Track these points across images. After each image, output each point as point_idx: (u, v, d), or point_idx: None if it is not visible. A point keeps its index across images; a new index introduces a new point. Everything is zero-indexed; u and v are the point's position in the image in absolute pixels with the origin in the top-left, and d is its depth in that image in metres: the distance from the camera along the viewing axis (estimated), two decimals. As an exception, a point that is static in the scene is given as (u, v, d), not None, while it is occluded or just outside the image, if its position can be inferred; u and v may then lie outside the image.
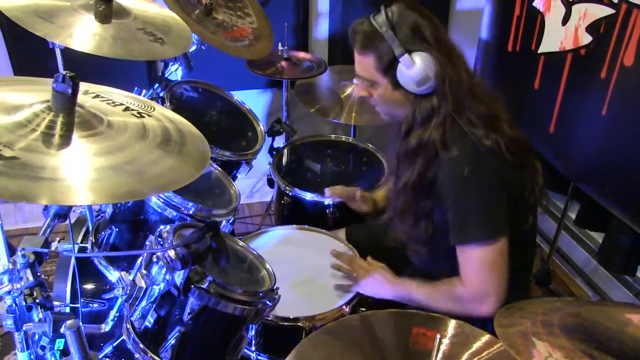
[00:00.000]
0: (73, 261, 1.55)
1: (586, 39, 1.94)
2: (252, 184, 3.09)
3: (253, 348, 1.50)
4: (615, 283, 2.37)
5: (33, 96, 1.01)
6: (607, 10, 1.83)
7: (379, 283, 1.51)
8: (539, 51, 2.18)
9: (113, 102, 1.12)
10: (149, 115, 1.12)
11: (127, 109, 1.11)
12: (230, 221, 1.58)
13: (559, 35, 2.06)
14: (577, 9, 1.97)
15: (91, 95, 1.12)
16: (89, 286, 1.68)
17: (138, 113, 1.11)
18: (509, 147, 1.30)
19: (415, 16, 1.33)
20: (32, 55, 2.41)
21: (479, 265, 1.31)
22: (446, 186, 1.32)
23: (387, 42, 1.31)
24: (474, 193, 1.29)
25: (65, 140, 0.95)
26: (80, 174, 0.90)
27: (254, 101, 2.85)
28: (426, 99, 1.35)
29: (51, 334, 1.03)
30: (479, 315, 1.31)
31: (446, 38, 1.37)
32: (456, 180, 1.30)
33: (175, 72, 2.00)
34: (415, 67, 1.30)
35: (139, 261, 1.23)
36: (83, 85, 1.05)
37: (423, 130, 1.35)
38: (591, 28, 1.91)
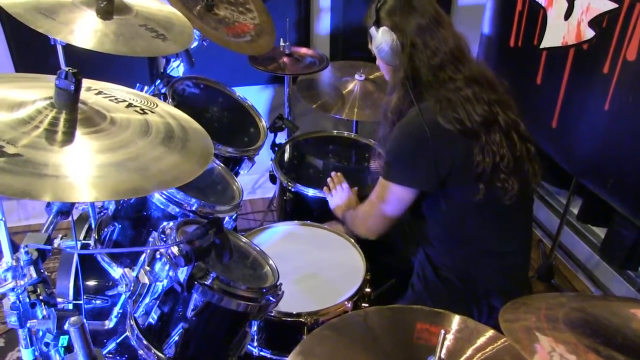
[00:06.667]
0: (76, 258, 1.56)
1: (589, 33, 1.93)
2: (255, 180, 3.09)
3: (255, 344, 1.51)
4: (617, 278, 2.37)
5: (35, 93, 1.00)
6: (610, 5, 1.82)
7: (342, 200, 1.84)
8: (541, 46, 2.17)
9: (116, 99, 1.12)
10: (152, 112, 1.12)
11: (129, 105, 1.11)
12: (233, 217, 1.58)
13: (562, 30, 2.05)
14: (579, 3, 1.96)
15: (94, 92, 1.11)
16: (91, 283, 1.68)
17: (141, 109, 1.11)
18: (464, 119, 1.42)
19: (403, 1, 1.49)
20: (33, 51, 2.41)
21: (377, 194, 1.58)
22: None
23: (371, 17, 1.52)
24: (402, 143, 1.51)
25: (68, 137, 0.94)
26: (84, 171, 0.90)
27: (256, 97, 2.85)
28: (394, 70, 1.55)
29: (55, 331, 1.03)
30: (356, 233, 1.70)
31: (423, 20, 1.47)
32: (396, 129, 1.53)
33: (177, 69, 1.99)
34: (377, 39, 1.52)
35: (142, 258, 1.23)
36: (85, 82, 1.05)
37: (390, 96, 1.58)
38: (594, 22, 1.90)
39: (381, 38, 1.50)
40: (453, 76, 1.47)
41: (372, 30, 1.52)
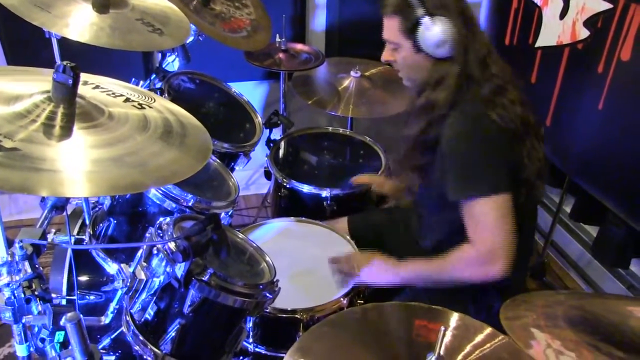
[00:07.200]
0: (70, 253, 1.54)
1: (584, 33, 1.94)
2: (249, 175, 3.08)
3: (251, 340, 1.50)
4: (608, 276, 2.39)
5: (32, 86, 0.99)
6: (605, 5, 1.83)
7: (382, 269, 1.53)
8: (536, 45, 2.19)
9: (113, 93, 1.10)
10: (150, 107, 1.11)
11: (127, 100, 1.10)
12: (229, 213, 1.57)
13: (557, 29, 2.06)
14: (575, 3, 1.97)
15: (91, 86, 1.10)
16: (83, 278, 1.66)
17: (139, 104, 1.10)
18: (513, 120, 1.35)
19: None
20: (26, 44, 2.38)
21: (487, 220, 1.34)
22: (447, 143, 1.38)
23: (412, 6, 1.39)
24: (477, 149, 1.36)
25: (66, 131, 0.93)
26: (82, 166, 0.89)
27: (252, 93, 2.84)
28: (442, 63, 1.41)
29: (51, 327, 1.02)
30: (490, 278, 1.34)
31: (468, 11, 1.43)
32: (458, 138, 1.37)
33: (173, 63, 1.98)
34: (434, 30, 1.37)
35: (139, 253, 1.23)
36: (82, 76, 1.04)
37: (432, 92, 1.42)
38: (589, 22, 1.91)
39: (439, 27, 1.36)
40: (495, 73, 1.41)
41: (426, 19, 1.37)
